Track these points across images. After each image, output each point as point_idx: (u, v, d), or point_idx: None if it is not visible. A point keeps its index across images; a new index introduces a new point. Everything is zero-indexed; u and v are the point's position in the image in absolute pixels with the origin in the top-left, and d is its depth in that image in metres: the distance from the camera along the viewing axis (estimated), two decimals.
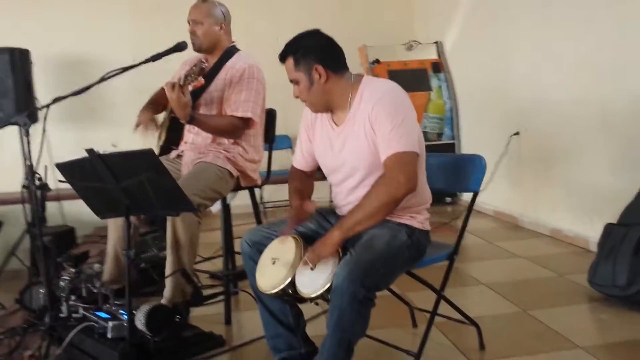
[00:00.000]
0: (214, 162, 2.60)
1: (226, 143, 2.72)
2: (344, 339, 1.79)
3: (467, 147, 5.41)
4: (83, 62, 5.62)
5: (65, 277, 2.61)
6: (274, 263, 1.91)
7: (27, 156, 2.47)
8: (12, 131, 4.01)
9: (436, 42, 5.66)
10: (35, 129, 4.18)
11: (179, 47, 2.61)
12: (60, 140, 4.56)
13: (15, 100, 4.57)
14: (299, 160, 2.23)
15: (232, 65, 2.75)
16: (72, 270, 2.68)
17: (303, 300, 1.87)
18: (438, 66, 5.56)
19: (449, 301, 2.30)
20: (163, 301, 2.41)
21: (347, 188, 2.02)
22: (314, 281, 1.80)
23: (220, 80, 2.73)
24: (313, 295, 1.79)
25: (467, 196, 5.09)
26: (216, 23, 2.77)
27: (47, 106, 2.51)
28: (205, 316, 2.74)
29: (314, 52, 1.95)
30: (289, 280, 1.83)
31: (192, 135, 2.77)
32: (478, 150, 5.31)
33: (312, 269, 1.80)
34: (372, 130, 1.90)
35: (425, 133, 5.39)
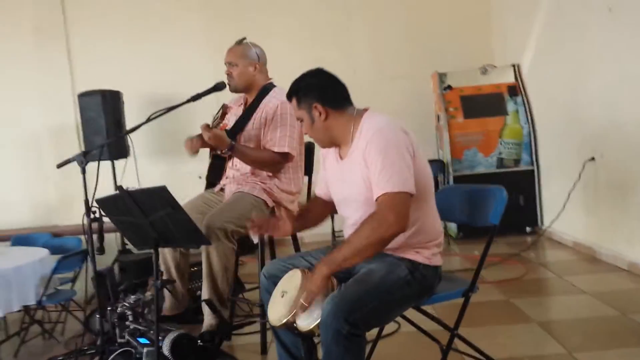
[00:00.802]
0: (251, 192, 2.74)
1: (263, 175, 2.85)
2: None
3: (546, 173, 5.15)
4: (170, 101, 6.07)
5: (123, 304, 2.83)
6: (282, 296, 1.97)
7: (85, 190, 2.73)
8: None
9: (513, 65, 5.48)
10: (127, 163, 4.55)
11: (218, 87, 2.79)
12: (151, 172, 4.97)
13: (106, 138, 5.03)
14: (320, 187, 2.29)
15: (267, 103, 2.88)
16: (132, 297, 2.91)
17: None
18: (515, 89, 5.37)
19: (465, 340, 2.22)
20: (203, 329, 2.54)
21: (350, 223, 2.05)
22: (309, 315, 1.84)
23: (257, 119, 2.87)
24: (306, 330, 1.82)
25: (547, 227, 4.86)
26: (250, 64, 2.92)
27: (102, 146, 2.80)
28: (245, 345, 2.84)
29: (313, 91, 2.03)
30: (291, 314, 1.88)
31: (233, 171, 2.93)
32: (554, 176, 5.07)
33: (305, 306, 1.82)
34: (366, 168, 1.92)
35: (501, 160, 5.22)
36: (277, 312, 1.93)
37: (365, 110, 2.06)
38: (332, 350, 1.75)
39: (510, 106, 5.32)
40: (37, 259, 4.31)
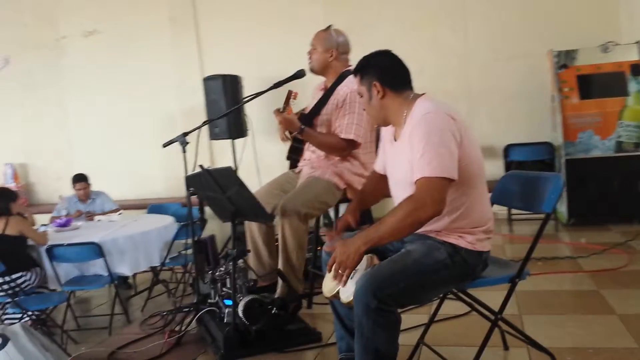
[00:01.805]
0: (322, 177, 2.93)
1: (335, 159, 3.01)
2: (368, 347, 1.92)
3: None
4: (289, 84, 6.46)
5: (219, 269, 3.19)
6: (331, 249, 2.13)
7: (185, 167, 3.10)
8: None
9: (638, 42, 5.05)
10: (245, 141, 4.90)
11: (298, 74, 3.00)
12: (269, 150, 5.35)
13: (227, 119, 5.48)
14: (378, 162, 2.41)
15: (339, 90, 3.03)
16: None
17: None
18: (639, 68, 4.96)
19: (509, 324, 2.25)
20: (275, 296, 2.81)
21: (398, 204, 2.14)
22: (349, 289, 1.99)
23: (330, 104, 3.03)
24: (346, 303, 1.99)
25: None
26: (327, 50, 3.07)
27: (199, 127, 3.14)
28: (324, 314, 3.07)
29: (375, 70, 2.11)
30: (337, 287, 2.05)
31: (309, 153, 3.14)
32: None
33: (341, 276, 1.96)
34: (411, 151, 1.99)
35: (619, 143, 4.89)
36: (328, 284, 2.11)
37: (421, 95, 2.11)
38: (363, 323, 1.89)
39: (632, 86, 4.94)
40: (162, 225, 4.91)
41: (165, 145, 3.21)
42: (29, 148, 7.25)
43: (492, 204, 2.49)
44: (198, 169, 2.54)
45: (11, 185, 6.95)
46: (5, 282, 3.90)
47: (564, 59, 5.20)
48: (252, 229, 3.11)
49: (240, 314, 2.58)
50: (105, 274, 4.19)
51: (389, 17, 6.21)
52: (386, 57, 2.16)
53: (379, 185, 2.37)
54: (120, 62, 6.89)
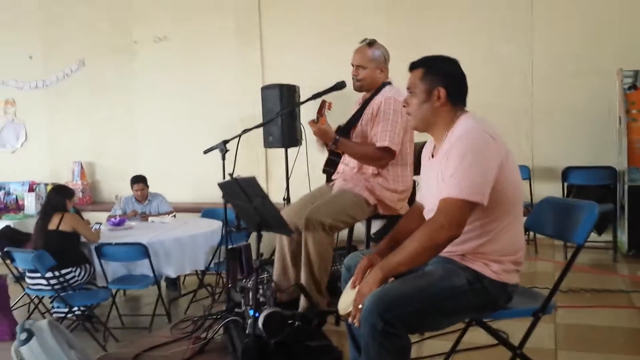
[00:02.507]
0: (352, 190, 2.88)
1: (368, 173, 2.95)
2: None
3: None
4: (341, 96, 6.45)
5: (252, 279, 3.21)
6: (354, 287, 2.09)
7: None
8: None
9: None
10: (299, 150, 4.93)
11: (338, 86, 2.97)
12: (321, 161, 5.35)
13: (281, 128, 5.54)
14: (420, 192, 2.27)
15: (375, 100, 2.96)
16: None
17: None
18: None
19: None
20: (298, 310, 2.79)
21: None
22: (347, 298, 1.95)
23: (366, 115, 2.98)
24: (343, 314, 1.94)
25: None
26: (378, 67, 3.01)
27: (238, 136, 3.17)
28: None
29: (445, 75, 2.01)
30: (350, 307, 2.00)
31: (343, 166, 3.09)
32: None
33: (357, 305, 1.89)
34: (445, 170, 1.91)
35: None
36: (344, 302, 2.06)
37: (465, 112, 2.02)
38: (369, 345, 1.81)
39: None
40: (210, 230, 5.01)
41: (206, 151, 3.27)
42: (97, 148, 7.60)
43: (526, 229, 2.38)
44: (232, 177, 2.57)
45: (77, 182, 7.31)
46: (54, 277, 4.08)
47: (634, 79, 4.91)
48: (283, 241, 3.09)
49: (260, 325, 2.57)
50: (151, 274, 4.32)
51: (449, 30, 6.08)
52: (457, 67, 2.06)
53: (418, 222, 2.14)
54: (186, 68, 7.11)
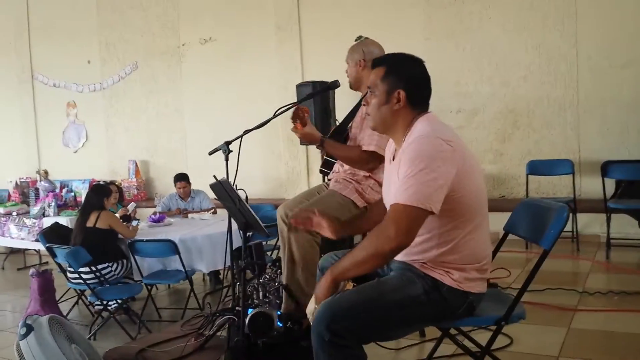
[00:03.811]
0: (340, 192, 2.86)
1: (360, 175, 2.92)
2: None
3: None
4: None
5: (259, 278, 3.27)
6: None
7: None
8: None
9: None
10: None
11: (332, 85, 2.96)
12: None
13: (315, 125, 5.56)
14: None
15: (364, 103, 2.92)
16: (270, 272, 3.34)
17: None
18: None
19: None
20: (281, 311, 2.82)
21: None
22: (310, 305, 1.93)
23: (357, 117, 2.94)
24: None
25: None
26: (357, 63, 2.97)
27: (240, 137, 3.22)
28: None
29: (406, 77, 1.93)
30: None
31: (338, 166, 3.08)
32: None
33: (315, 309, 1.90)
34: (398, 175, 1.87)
35: None
36: (308, 306, 2.07)
37: (425, 113, 1.95)
38: (319, 354, 1.80)
39: None
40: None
41: (210, 153, 3.33)
42: (150, 146, 7.94)
43: (506, 232, 2.30)
44: (216, 179, 2.63)
45: (132, 180, 7.67)
46: (91, 272, 4.32)
47: None
48: (291, 238, 3.09)
49: (246, 325, 2.62)
50: (186, 269, 4.48)
51: (492, 20, 5.89)
52: (421, 67, 1.97)
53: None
54: (230, 68, 7.29)
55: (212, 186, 2.80)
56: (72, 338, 2.63)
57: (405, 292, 1.86)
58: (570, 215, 5.03)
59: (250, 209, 2.51)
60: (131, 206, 5.07)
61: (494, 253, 2.39)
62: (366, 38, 3.08)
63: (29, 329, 2.44)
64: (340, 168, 3.09)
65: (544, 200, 2.20)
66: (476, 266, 1.91)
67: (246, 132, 3.24)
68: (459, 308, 1.90)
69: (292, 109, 2.96)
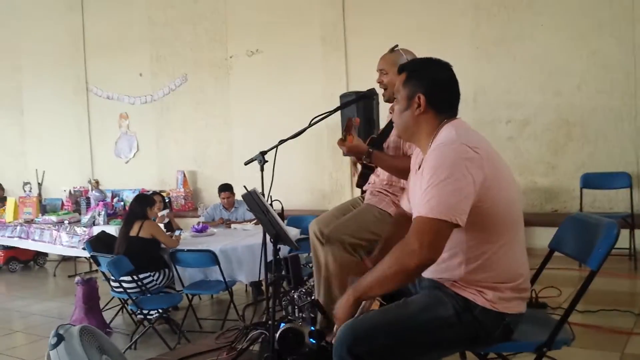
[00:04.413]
0: (377, 205, 2.76)
1: (397, 187, 2.81)
2: None
3: None
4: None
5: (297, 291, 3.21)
6: None
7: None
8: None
9: None
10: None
11: (367, 95, 2.87)
12: None
13: (359, 135, 5.48)
14: (404, 200, 2.15)
15: None
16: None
17: None
18: None
19: None
20: (314, 327, 2.73)
21: None
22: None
23: None
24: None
25: None
26: (396, 73, 2.86)
27: (276, 147, 3.18)
28: None
29: (426, 80, 1.85)
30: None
31: (374, 177, 2.97)
32: None
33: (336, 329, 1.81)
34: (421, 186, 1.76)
35: None
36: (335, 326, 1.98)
37: (452, 120, 1.84)
38: None
39: None
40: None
41: (246, 163, 3.31)
42: (198, 157, 8.05)
43: (551, 250, 2.14)
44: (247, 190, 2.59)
45: (180, 190, 7.78)
46: (133, 281, 4.37)
47: None
48: (327, 256, 3.00)
49: (276, 342, 2.55)
50: (226, 279, 4.46)
51: (544, 27, 5.68)
52: (443, 70, 1.88)
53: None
54: (277, 79, 7.31)
55: (244, 197, 2.76)
56: (104, 349, 2.62)
57: (433, 313, 1.73)
58: (628, 231, 4.78)
59: (280, 221, 2.44)
60: (163, 212, 5.12)
61: (539, 270, 2.25)
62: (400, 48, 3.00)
63: (60, 338, 2.44)
64: (375, 179, 2.99)
65: (592, 215, 2.03)
66: (511, 285, 1.77)
67: (281, 142, 3.20)
68: (495, 331, 1.76)
69: (346, 122, 2.89)
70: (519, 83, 5.82)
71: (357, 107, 5.61)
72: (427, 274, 1.80)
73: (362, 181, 3.11)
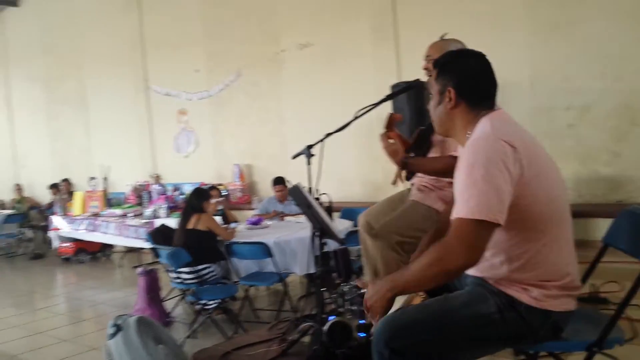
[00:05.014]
0: (423, 202, 2.74)
1: (444, 181, 2.78)
2: None
3: None
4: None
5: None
6: None
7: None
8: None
9: None
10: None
11: (413, 85, 2.85)
12: None
13: (409, 126, 5.46)
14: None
15: None
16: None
17: None
18: None
19: None
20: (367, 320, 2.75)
21: None
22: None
23: None
24: None
25: None
26: None
27: (322, 140, 3.20)
28: None
29: (455, 74, 1.82)
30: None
31: None
32: None
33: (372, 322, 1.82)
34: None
35: None
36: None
37: (490, 112, 1.79)
38: None
39: None
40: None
41: (294, 157, 3.34)
42: (253, 151, 8.18)
43: (605, 245, 2.07)
44: (291, 184, 2.64)
45: (237, 183, 7.94)
46: (191, 272, 4.52)
47: None
48: (375, 251, 3.02)
49: (324, 334, 2.59)
50: (280, 271, 4.55)
51: (602, 10, 5.42)
52: (475, 60, 1.85)
53: None
54: (328, 71, 7.33)
55: (290, 191, 2.80)
56: (160, 339, 2.74)
57: (475, 310, 1.71)
58: None
59: (324, 215, 2.47)
60: (218, 200, 5.28)
61: (592, 265, 2.19)
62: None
63: (118, 329, 2.57)
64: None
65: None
66: (559, 283, 1.72)
67: (327, 135, 3.22)
68: (541, 329, 1.72)
69: (387, 117, 2.87)
70: (578, 69, 5.60)
71: (409, 97, 5.57)
72: (470, 271, 1.79)
73: (409, 175, 3.10)
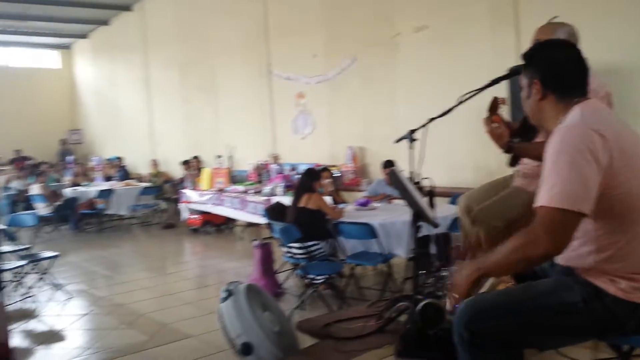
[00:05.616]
0: (527, 188, 2.75)
1: None
2: None
3: None
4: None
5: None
6: None
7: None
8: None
9: None
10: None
11: (516, 71, 2.85)
12: None
13: (516, 113, 5.36)
14: None
15: None
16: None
17: None
18: None
19: None
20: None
21: None
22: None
23: None
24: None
25: None
26: None
27: (425, 125, 3.28)
28: None
29: (541, 66, 1.85)
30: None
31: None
32: None
33: (455, 304, 1.90)
34: None
35: None
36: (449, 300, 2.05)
37: (581, 101, 1.80)
38: (460, 353, 1.79)
39: None
40: (442, 215, 5.14)
41: (397, 141, 3.44)
42: (366, 134, 8.36)
43: None
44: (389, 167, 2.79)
45: (350, 165, 8.19)
46: (301, 248, 4.84)
47: None
48: (473, 231, 3.10)
49: (417, 314, 2.73)
50: (384, 252, 4.73)
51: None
52: (560, 51, 1.87)
53: None
54: (444, 54, 7.28)
55: (389, 174, 2.94)
56: (267, 306, 3.04)
57: (559, 297, 1.74)
58: None
59: (419, 199, 2.60)
60: (327, 181, 5.56)
61: None
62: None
63: (229, 294, 2.89)
64: (527, 159, 2.97)
65: None
66: None
67: (431, 119, 3.29)
68: (628, 321, 1.72)
69: (491, 101, 2.90)
70: None
71: (516, 83, 5.43)
72: (559, 259, 1.83)
73: (513, 161, 3.11)
